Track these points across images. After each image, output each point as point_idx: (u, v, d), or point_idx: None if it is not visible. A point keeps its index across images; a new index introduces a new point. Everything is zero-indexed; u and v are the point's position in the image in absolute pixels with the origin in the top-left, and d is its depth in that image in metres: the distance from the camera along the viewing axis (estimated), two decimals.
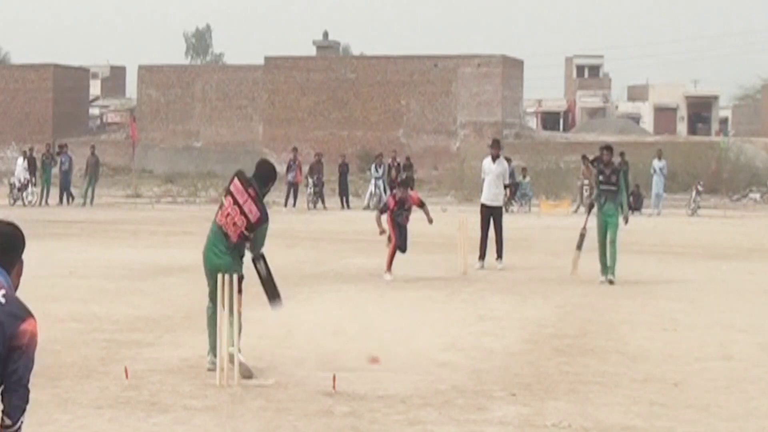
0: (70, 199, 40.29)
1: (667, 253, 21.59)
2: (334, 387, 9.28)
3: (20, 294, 5.08)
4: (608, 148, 17.92)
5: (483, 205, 19.52)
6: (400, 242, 17.75)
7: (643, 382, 9.90)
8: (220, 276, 9.66)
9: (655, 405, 8.98)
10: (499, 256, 19.27)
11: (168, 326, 12.63)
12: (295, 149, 42.15)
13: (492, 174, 19.44)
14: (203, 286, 14.73)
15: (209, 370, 9.84)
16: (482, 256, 19.23)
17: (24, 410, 4.80)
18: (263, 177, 10.00)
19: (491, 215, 19.37)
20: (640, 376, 10.14)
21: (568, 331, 12.63)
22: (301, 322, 13.06)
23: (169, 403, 8.84)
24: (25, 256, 5.09)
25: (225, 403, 8.87)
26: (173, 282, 16.79)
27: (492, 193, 19.43)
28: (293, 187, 39.70)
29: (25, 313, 4.86)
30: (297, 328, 12.59)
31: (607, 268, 17.04)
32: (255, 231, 9.79)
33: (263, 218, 9.80)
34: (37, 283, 16.08)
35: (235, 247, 9.86)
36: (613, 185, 17.35)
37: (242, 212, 9.72)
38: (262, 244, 9.93)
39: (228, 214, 9.77)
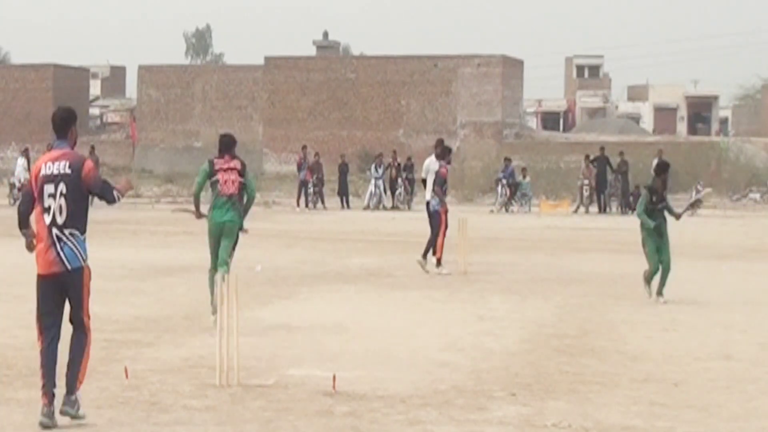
0: None
1: None
2: (334, 387, 9.29)
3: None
4: (664, 164, 15.98)
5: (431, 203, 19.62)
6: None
7: (643, 382, 9.90)
8: (218, 275, 9.73)
9: (655, 405, 8.98)
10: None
11: (168, 326, 12.63)
12: (304, 147, 42.24)
13: None
14: (203, 286, 14.75)
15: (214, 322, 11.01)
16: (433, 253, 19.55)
17: (114, 193, 8.23)
18: (227, 145, 12.94)
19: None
20: (640, 376, 10.15)
21: (568, 331, 12.64)
22: (301, 322, 13.07)
23: (169, 403, 8.85)
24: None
25: (225, 403, 8.87)
26: (173, 282, 16.80)
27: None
28: (305, 186, 39.69)
29: (84, 160, 8.20)
30: (297, 328, 12.60)
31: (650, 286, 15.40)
32: (245, 174, 12.76)
33: (244, 163, 12.93)
34: None
35: (235, 202, 12.63)
36: (662, 201, 15.48)
37: (231, 169, 12.67)
38: (253, 184, 13.03)
39: (225, 181, 12.63)
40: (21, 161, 40.06)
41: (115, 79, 79.40)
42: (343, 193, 41.38)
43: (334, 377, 9.36)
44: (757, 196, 46.22)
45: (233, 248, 12.62)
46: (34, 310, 8.20)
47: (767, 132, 61.93)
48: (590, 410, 8.78)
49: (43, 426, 7.96)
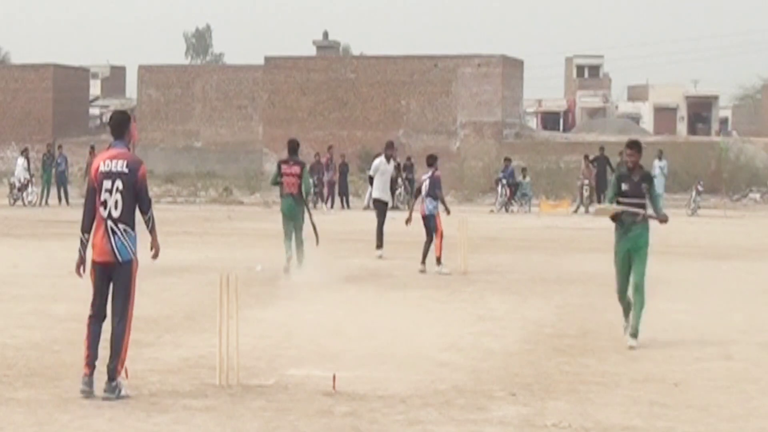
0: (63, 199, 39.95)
1: (667, 253, 21.55)
2: (334, 387, 9.29)
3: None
4: (634, 144, 11.76)
5: (378, 200, 21.55)
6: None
7: (643, 382, 9.90)
8: (220, 278, 9.76)
9: (655, 405, 8.98)
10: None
11: (168, 326, 12.63)
12: (330, 147, 42.20)
13: (387, 173, 21.76)
14: (203, 286, 14.68)
15: (286, 268, 17.38)
16: (380, 246, 20.91)
17: (150, 208, 9.19)
18: (293, 149, 18.04)
19: (384, 208, 21.40)
20: (640, 376, 10.15)
21: (568, 331, 12.63)
22: (301, 322, 13.07)
23: (169, 403, 8.85)
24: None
25: (225, 403, 8.87)
26: (173, 282, 16.80)
27: (386, 190, 21.67)
28: (332, 187, 39.73)
29: (141, 163, 9.20)
30: (297, 328, 12.60)
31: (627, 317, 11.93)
32: (303, 176, 17.50)
33: (302, 165, 17.71)
34: (37, 282, 16.06)
35: (298, 199, 17.51)
36: (642, 197, 11.73)
37: (291, 174, 17.50)
38: (308, 184, 17.81)
39: (287, 183, 17.55)
40: (21, 161, 39.95)
41: (115, 79, 79.35)
42: (343, 193, 41.39)
43: (334, 377, 9.36)
44: (757, 196, 46.22)
45: (302, 223, 17.50)
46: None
47: (767, 132, 61.92)
48: (590, 410, 8.78)
49: (84, 393, 8.91)
